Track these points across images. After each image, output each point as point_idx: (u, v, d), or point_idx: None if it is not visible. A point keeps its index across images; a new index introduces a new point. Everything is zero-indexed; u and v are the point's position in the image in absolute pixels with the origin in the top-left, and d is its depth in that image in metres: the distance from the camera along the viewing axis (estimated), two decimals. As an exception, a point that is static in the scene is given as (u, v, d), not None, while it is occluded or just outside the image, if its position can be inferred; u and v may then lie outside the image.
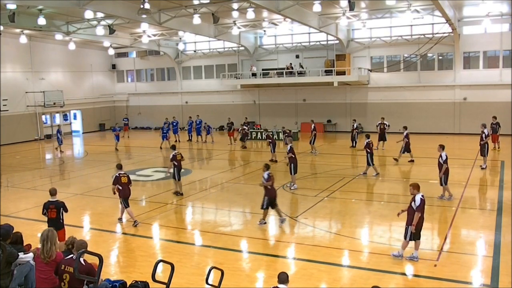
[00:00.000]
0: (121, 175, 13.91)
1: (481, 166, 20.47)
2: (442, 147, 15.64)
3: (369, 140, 19.80)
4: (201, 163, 26.48)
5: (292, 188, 17.67)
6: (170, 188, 18.98)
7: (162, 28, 31.80)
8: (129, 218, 14.12)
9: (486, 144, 20.41)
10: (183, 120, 37.28)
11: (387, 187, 18.35)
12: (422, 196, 10.41)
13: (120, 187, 13.77)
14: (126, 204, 13.83)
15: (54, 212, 10.99)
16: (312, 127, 26.60)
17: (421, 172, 20.27)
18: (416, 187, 10.51)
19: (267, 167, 13.58)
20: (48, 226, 10.84)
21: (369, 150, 19.55)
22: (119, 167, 14.48)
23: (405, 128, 23.03)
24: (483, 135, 20.45)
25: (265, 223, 13.36)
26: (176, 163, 17.13)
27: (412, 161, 22.30)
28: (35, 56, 37.12)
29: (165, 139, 30.69)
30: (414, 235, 10.40)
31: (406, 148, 22.41)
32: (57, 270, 7.11)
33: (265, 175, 13.27)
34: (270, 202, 13.26)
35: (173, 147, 18.13)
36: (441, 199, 15.50)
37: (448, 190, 15.58)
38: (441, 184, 15.59)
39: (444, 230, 12.71)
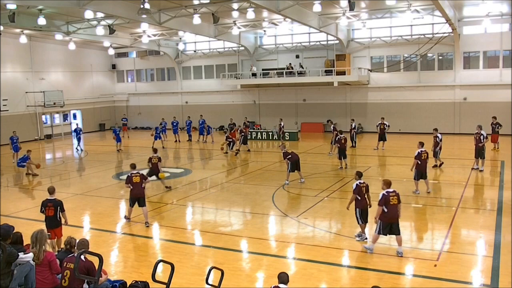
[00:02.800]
0: (133, 174, 13.85)
1: (477, 168, 20.13)
2: (421, 144, 16.47)
3: (342, 136, 21.53)
4: (201, 163, 26.48)
5: (285, 184, 18.26)
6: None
7: (162, 28, 31.80)
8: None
9: (484, 146, 20.05)
10: (183, 120, 37.28)
11: (387, 187, 18.32)
12: (386, 192, 10.72)
13: (131, 187, 13.70)
14: (131, 203, 13.82)
15: (52, 210, 11.07)
16: (332, 127, 26.11)
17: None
18: (386, 183, 10.95)
19: (359, 175, 12.11)
20: (46, 224, 11.10)
21: (339, 145, 21.14)
22: (133, 166, 14.69)
23: (436, 130, 20.82)
24: (481, 137, 20.00)
25: (366, 238, 11.80)
26: (150, 165, 17.91)
27: (436, 166, 20.67)
28: (35, 56, 37.12)
29: (157, 139, 30.65)
30: (384, 229, 10.67)
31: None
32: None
33: (354, 185, 11.84)
34: (363, 214, 11.82)
35: (155, 151, 18.66)
36: (415, 193, 16.23)
37: (416, 186, 16.31)
38: (414, 178, 16.35)
39: (444, 230, 12.71)
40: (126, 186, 13.95)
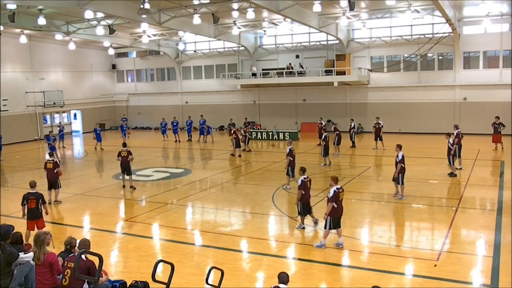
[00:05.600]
0: (48, 161, 16.39)
1: (459, 168, 19.91)
2: (399, 147, 16.05)
3: (327, 134, 22.44)
4: (201, 163, 26.48)
5: (284, 187, 17.83)
6: (170, 188, 19.02)
7: (162, 28, 31.80)
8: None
9: (458, 146, 19.75)
10: (183, 120, 37.30)
11: (387, 187, 18.29)
12: (337, 188, 11.32)
13: (46, 171, 16.30)
14: (48, 186, 16.27)
15: (34, 203, 11.93)
16: (333, 128, 26.25)
17: (420, 172, 20.25)
18: (334, 180, 11.58)
19: (303, 170, 13.21)
20: (28, 216, 11.96)
21: (324, 143, 21.91)
22: (50, 155, 17.48)
23: (448, 135, 19.62)
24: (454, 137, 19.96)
25: (304, 227, 12.93)
26: (120, 159, 18.62)
27: (453, 174, 19.15)
28: (35, 56, 37.12)
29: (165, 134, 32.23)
30: (334, 223, 11.28)
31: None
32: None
33: (299, 181, 12.84)
34: (305, 207, 12.85)
35: (124, 145, 19.40)
36: (395, 197, 15.91)
37: (402, 190, 15.91)
38: (397, 183, 15.89)
39: (444, 230, 12.71)
40: (44, 170, 16.47)
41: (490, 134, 25.59)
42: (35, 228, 11.81)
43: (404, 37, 33.37)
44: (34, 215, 11.98)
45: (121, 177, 19.25)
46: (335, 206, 11.25)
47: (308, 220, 13.17)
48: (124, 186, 18.89)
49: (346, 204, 15.84)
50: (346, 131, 28.99)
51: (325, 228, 11.39)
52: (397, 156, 15.80)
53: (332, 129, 26.10)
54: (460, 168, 20.04)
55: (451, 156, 19.04)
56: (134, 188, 18.64)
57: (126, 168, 18.60)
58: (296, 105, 37.61)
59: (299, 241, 12.20)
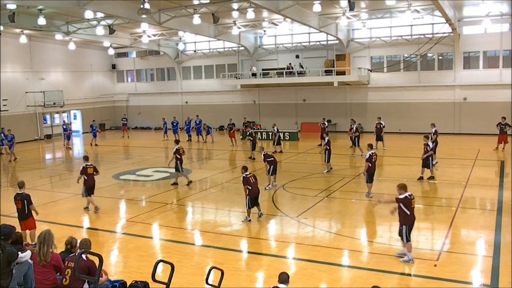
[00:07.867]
0: (87, 166, 15.22)
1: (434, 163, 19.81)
2: (370, 146, 16.49)
3: (329, 138, 21.15)
4: (201, 163, 26.48)
5: (267, 188, 17.69)
6: (170, 188, 19.00)
7: (162, 28, 31.80)
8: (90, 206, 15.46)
9: (435, 143, 19.76)
10: (183, 120, 37.30)
11: (386, 187, 18.29)
12: (408, 195, 10.50)
13: (86, 177, 15.06)
14: (86, 193, 15.16)
15: (20, 204, 11.92)
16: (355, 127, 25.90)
17: (420, 172, 20.23)
18: (403, 188, 10.61)
19: (245, 169, 14.13)
20: (18, 217, 11.92)
21: (328, 148, 20.75)
22: (86, 159, 15.91)
23: (426, 137, 19.21)
24: (431, 135, 20.20)
25: (250, 220, 13.93)
26: (178, 156, 18.76)
27: (431, 177, 18.77)
28: (35, 56, 37.13)
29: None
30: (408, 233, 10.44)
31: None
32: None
33: (242, 178, 13.83)
34: (252, 200, 13.86)
35: (177, 142, 19.67)
36: (368, 197, 16.01)
37: (369, 188, 16.12)
38: (366, 181, 16.17)
39: (444, 230, 12.71)
40: (80, 176, 15.21)
41: (490, 134, 25.58)
42: (25, 229, 11.83)
43: (404, 37, 33.36)
44: (21, 216, 11.91)
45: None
46: (408, 213, 10.42)
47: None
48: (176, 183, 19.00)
49: (345, 204, 15.98)
50: (346, 131, 28.96)
51: (405, 242, 10.43)
52: (367, 155, 16.24)
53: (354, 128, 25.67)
54: (436, 163, 20.03)
55: (430, 158, 18.58)
56: (191, 182, 19.08)
57: (181, 166, 18.91)
58: (296, 105, 37.61)
59: (299, 241, 12.19)
